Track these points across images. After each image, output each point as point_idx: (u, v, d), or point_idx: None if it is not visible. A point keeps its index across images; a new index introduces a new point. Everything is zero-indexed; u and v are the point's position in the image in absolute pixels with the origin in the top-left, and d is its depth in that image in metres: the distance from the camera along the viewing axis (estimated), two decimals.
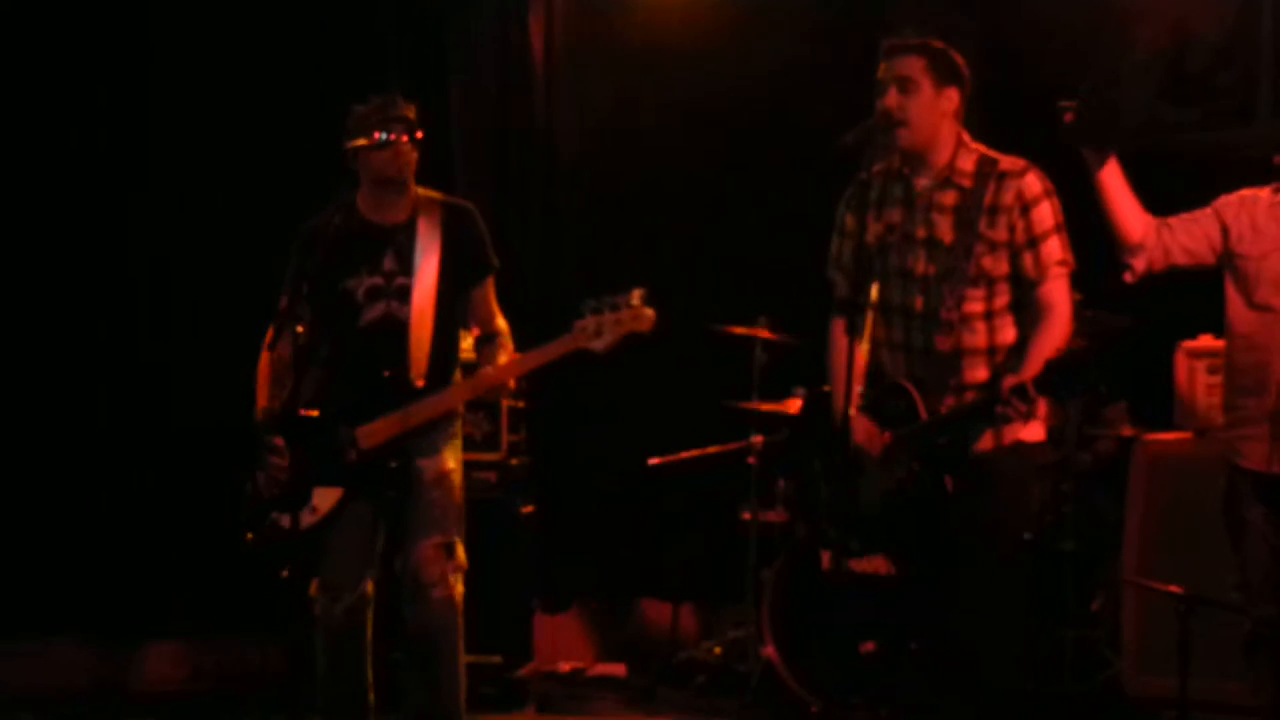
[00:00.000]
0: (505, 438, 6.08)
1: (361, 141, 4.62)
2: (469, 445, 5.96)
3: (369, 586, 4.68)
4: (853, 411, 4.06)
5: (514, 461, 6.14)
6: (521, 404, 6.15)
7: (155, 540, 6.45)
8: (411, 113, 4.70)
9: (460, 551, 4.66)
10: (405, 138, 4.64)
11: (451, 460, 4.70)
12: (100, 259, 6.57)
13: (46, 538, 6.41)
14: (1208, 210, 4.39)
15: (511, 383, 4.67)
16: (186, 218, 6.57)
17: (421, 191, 4.79)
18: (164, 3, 6.62)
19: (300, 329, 4.64)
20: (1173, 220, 4.35)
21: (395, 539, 4.69)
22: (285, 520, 4.58)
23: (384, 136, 4.61)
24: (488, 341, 4.75)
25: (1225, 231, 4.34)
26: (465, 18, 6.98)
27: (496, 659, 5.96)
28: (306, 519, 4.61)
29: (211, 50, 6.58)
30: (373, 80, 6.66)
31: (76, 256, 6.54)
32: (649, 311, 4.43)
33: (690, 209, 6.87)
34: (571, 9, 6.95)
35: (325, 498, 4.61)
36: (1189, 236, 4.34)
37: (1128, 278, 4.33)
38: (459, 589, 4.64)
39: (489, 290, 4.80)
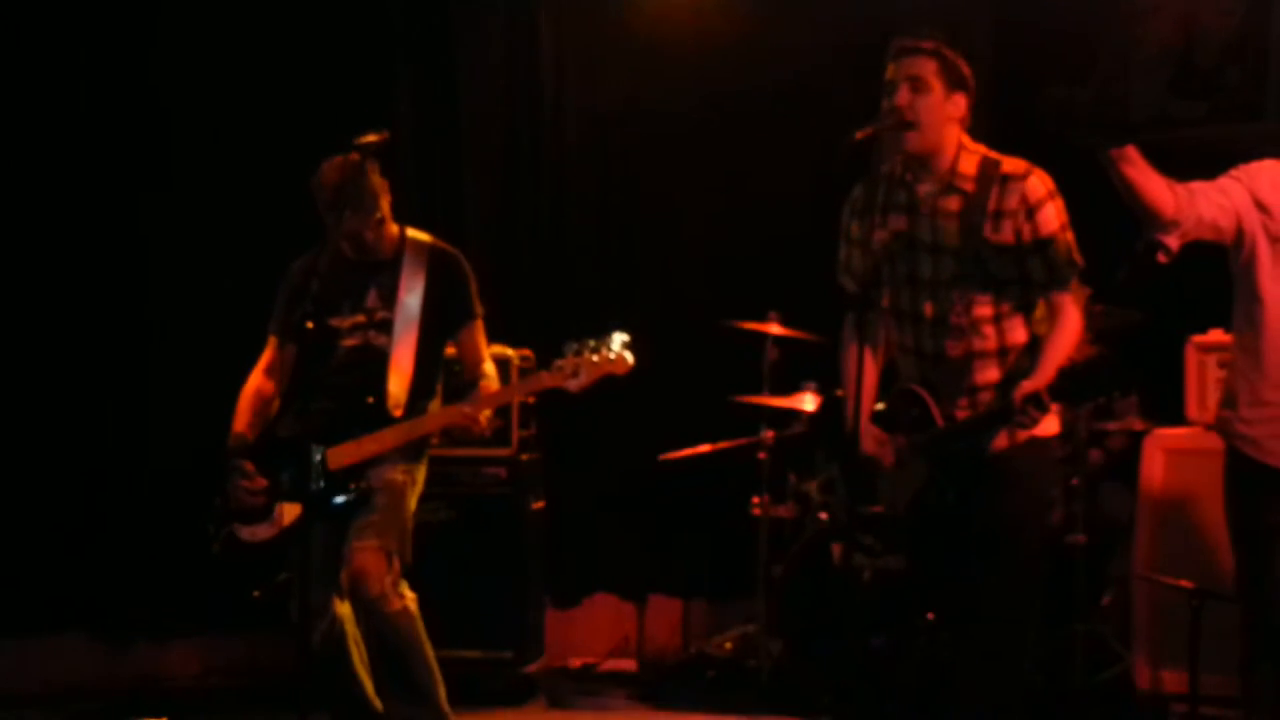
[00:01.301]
0: (515, 434, 6.08)
1: (322, 211, 4.70)
2: (479, 442, 5.99)
3: (336, 606, 4.71)
4: (863, 422, 4.09)
5: (524, 457, 6.14)
6: (532, 400, 6.16)
7: (165, 537, 6.44)
8: (362, 190, 4.66)
9: (398, 562, 4.66)
10: (353, 216, 4.66)
11: (400, 473, 4.73)
12: (116, 263, 6.59)
13: (56, 535, 6.42)
14: (1226, 183, 3.99)
15: (483, 421, 4.68)
16: (203, 225, 6.58)
17: (409, 232, 4.88)
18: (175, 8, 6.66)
19: (281, 363, 4.85)
20: (1193, 186, 3.94)
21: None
22: (244, 532, 4.73)
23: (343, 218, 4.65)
24: (472, 385, 4.80)
25: (1263, 208, 3.95)
26: (475, 15, 6.98)
27: (507, 654, 5.98)
28: (264, 532, 4.72)
29: (220, 72, 6.60)
30: (381, 79, 6.74)
31: (91, 261, 6.56)
32: (629, 357, 4.51)
33: (700, 205, 6.87)
34: (582, 6, 6.94)
35: (287, 513, 4.69)
36: (1220, 211, 3.94)
37: (1162, 258, 3.94)
38: (409, 596, 4.68)
39: (476, 335, 4.87)
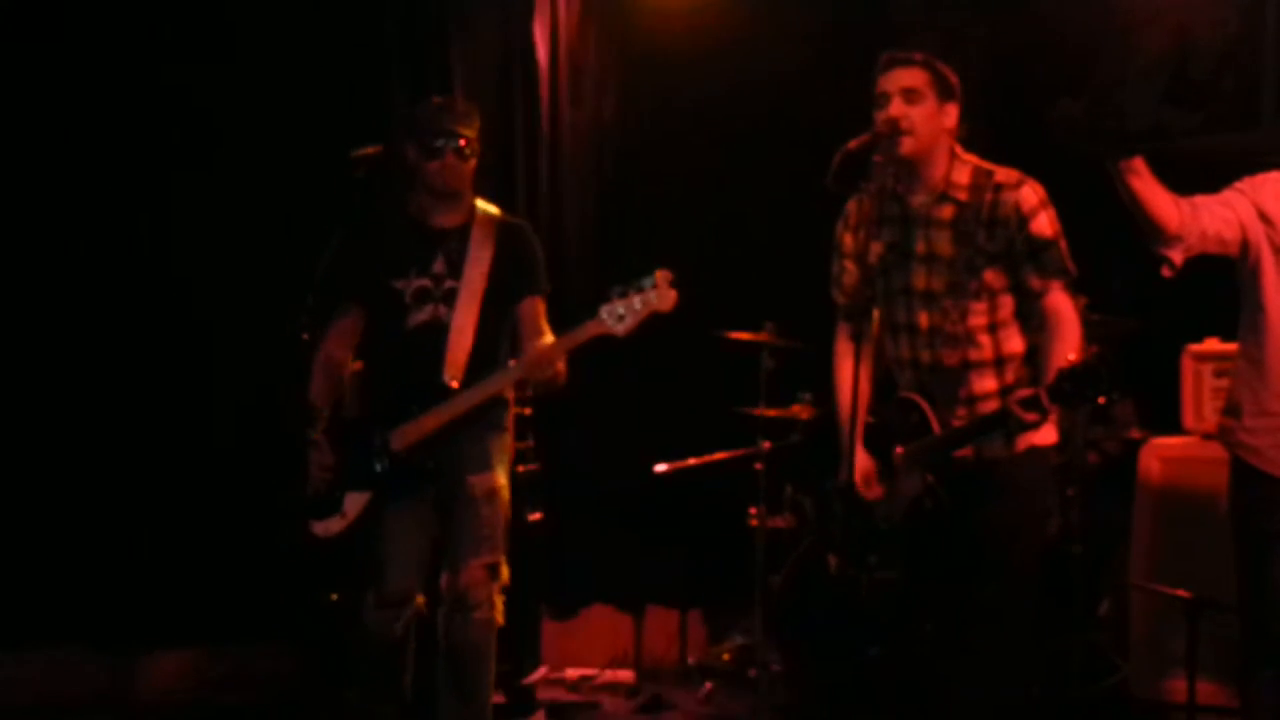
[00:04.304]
0: (512, 445, 6.07)
1: (413, 150, 4.69)
2: None
3: (420, 599, 4.71)
4: (856, 447, 4.10)
5: (521, 469, 6.13)
6: (529, 411, 6.15)
7: (163, 547, 6.45)
8: (470, 124, 4.73)
9: (504, 571, 4.69)
10: (455, 152, 4.68)
11: (502, 475, 4.72)
12: (133, 264, 6.56)
13: (53, 545, 6.40)
14: (1231, 196, 4.03)
15: (561, 367, 4.55)
16: (201, 225, 6.55)
17: (479, 203, 4.83)
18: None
19: (341, 327, 4.75)
20: (1197, 200, 3.98)
21: (441, 550, 4.71)
22: (318, 527, 4.68)
23: (438, 144, 4.67)
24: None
25: (1267, 219, 3.98)
26: (469, 24, 6.98)
27: (504, 666, 5.95)
28: (335, 525, 4.65)
29: (218, 76, 6.58)
30: (377, 83, 6.74)
31: (93, 265, 6.54)
32: (671, 292, 4.40)
33: (696, 215, 6.87)
34: (576, 15, 6.95)
35: (354, 503, 4.64)
36: (1225, 224, 3.97)
37: (1166, 272, 3.96)
38: (500, 609, 4.68)
39: (539, 310, 4.79)
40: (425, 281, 4.72)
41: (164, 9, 6.58)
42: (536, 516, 6.23)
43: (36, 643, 6.38)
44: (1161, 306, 5.47)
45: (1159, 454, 5.43)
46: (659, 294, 4.39)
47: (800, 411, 6.15)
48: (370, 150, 4.70)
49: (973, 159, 4.13)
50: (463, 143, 4.70)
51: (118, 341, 6.55)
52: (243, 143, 6.53)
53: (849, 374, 4.16)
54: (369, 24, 6.78)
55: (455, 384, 4.62)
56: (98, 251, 6.53)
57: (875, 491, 4.17)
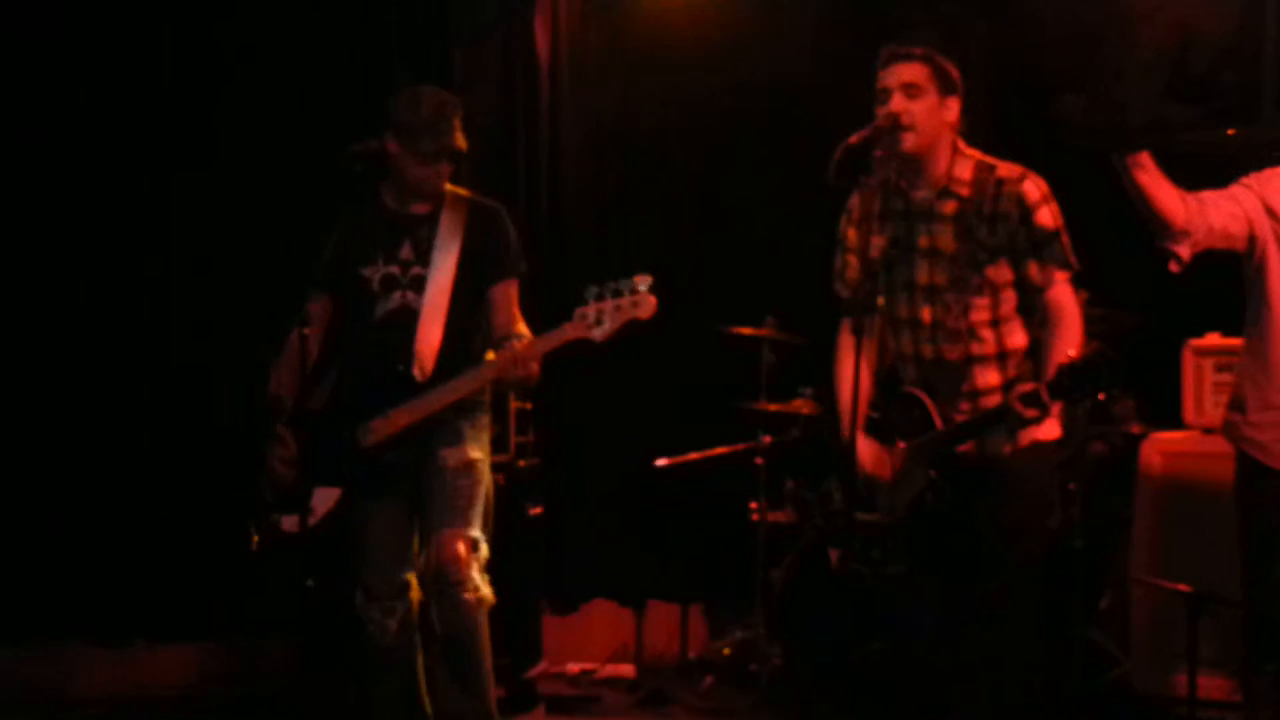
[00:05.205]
0: (513, 439, 6.07)
1: (395, 146, 4.53)
2: None
3: (414, 589, 4.59)
4: (859, 437, 4.10)
5: (522, 463, 6.14)
6: (529, 405, 6.16)
7: (166, 542, 6.45)
8: (460, 126, 4.57)
9: (485, 549, 4.52)
10: (449, 160, 4.57)
11: (476, 450, 4.57)
12: (133, 260, 6.56)
13: (56, 540, 6.40)
14: (1238, 191, 4.06)
15: (535, 368, 4.40)
16: (218, 218, 6.53)
17: (449, 187, 4.69)
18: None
19: (312, 316, 4.61)
20: (1203, 196, 4.00)
21: (422, 534, 4.58)
22: (286, 522, 4.58)
23: (434, 155, 4.53)
24: (502, 343, 4.48)
25: (1274, 215, 4.01)
26: (470, 22, 6.98)
27: (504, 660, 5.96)
28: (303, 521, 4.54)
29: (217, 79, 6.59)
30: (380, 83, 6.73)
31: (108, 255, 6.54)
32: (651, 299, 4.27)
33: (697, 210, 6.87)
34: (577, 11, 6.95)
35: (325, 498, 4.54)
36: (1232, 219, 4.00)
37: (1174, 267, 4.00)
38: (486, 589, 4.50)
39: (511, 294, 4.64)
40: (392, 268, 4.60)
41: (165, 10, 6.59)
42: (537, 511, 6.24)
43: (40, 638, 6.39)
44: (1163, 301, 5.48)
45: (1160, 449, 5.43)
46: (637, 300, 4.27)
47: (801, 406, 6.16)
48: (367, 144, 4.58)
49: (975, 153, 4.14)
50: (459, 152, 4.58)
51: (119, 339, 6.56)
52: (243, 142, 6.53)
53: (850, 368, 4.16)
54: (370, 23, 6.78)
55: (424, 377, 4.49)
56: (99, 250, 6.53)
57: (885, 470, 4.16)
